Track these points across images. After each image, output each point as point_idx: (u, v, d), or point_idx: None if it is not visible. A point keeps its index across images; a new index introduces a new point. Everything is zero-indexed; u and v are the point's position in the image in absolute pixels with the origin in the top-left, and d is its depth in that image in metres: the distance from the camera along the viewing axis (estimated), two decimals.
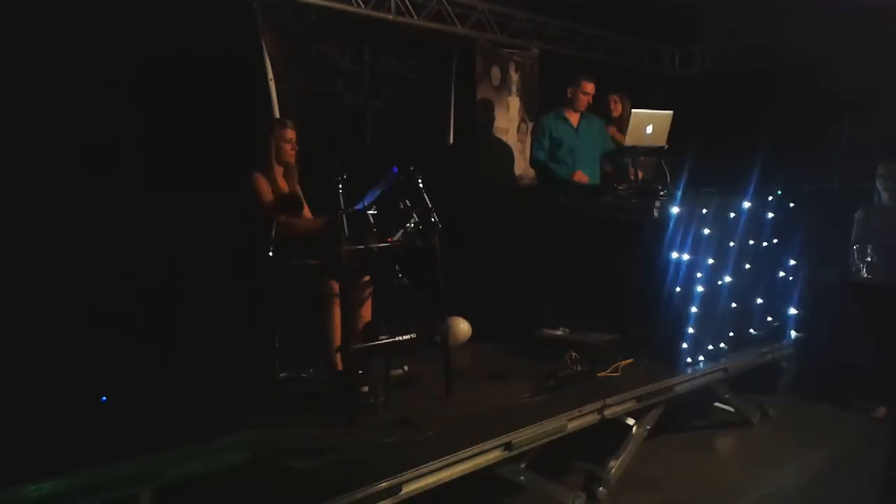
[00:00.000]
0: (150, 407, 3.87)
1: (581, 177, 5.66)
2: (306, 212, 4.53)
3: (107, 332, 4.17)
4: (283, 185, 4.47)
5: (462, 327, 5.40)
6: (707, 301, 4.94)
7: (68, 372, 3.92)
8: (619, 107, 6.24)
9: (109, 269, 4.26)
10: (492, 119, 6.77)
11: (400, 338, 4.01)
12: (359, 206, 4.04)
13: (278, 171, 4.48)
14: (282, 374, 4.43)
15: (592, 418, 4.08)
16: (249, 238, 4.23)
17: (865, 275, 3.84)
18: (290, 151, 4.45)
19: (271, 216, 4.27)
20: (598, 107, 6.29)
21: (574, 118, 5.85)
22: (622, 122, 6.00)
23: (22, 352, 3.87)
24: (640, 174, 5.85)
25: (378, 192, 4.14)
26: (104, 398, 3.84)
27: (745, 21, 7.67)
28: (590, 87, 5.80)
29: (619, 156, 5.83)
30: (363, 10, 5.69)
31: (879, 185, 5.52)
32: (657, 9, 7.64)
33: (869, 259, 3.90)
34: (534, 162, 5.96)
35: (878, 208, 5.50)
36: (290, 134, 4.46)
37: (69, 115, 4.24)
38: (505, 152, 6.86)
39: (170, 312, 4.40)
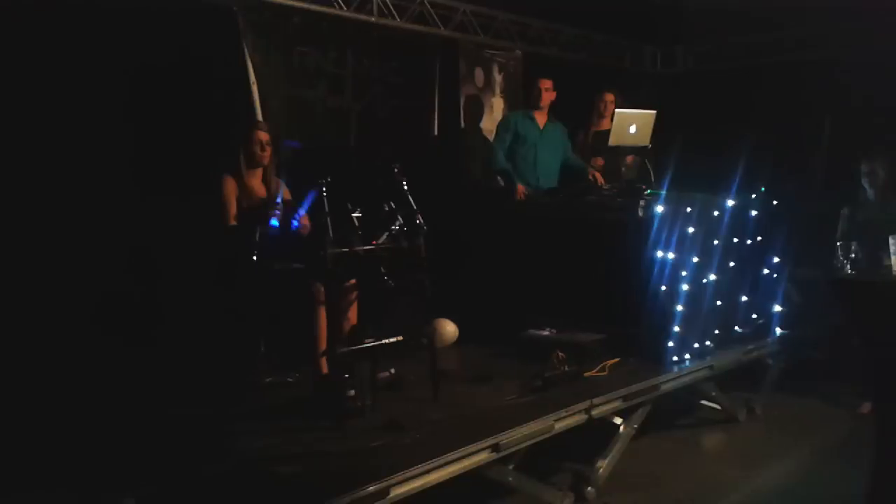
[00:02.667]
0: (133, 413, 3.84)
1: (520, 192, 5.73)
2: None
3: (87, 337, 4.13)
4: (260, 190, 4.43)
5: (448, 329, 5.39)
6: (692, 299, 4.95)
7: (47, 379, 3.88)
8: (614, 107, 6.06)
9: (90, 272, 4.22)
10: (476, 120, 6.77)
11: (386, 341, 4.00)
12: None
13: (255, 174, 4.43)
14: (267, 379, 4.40)
15: (580, 418, 4.07)
16: (233, 241, 4.19)
17: (850, 271, 3.86)
18: (260, 154, 4.39)
19: (231, 220, 4.24)
20: (587, 106, 6.31)
21: (541, 120, 5.91)
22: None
23: None
24: (626, 172, 5.90)
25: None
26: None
27: (727, 20, 7.71)
28: (547, 83, 5.91)
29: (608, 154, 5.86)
30: (345, 13, 5.68)
31: (865, 181, 5.55)
32: (639, 8, 7.67)
33: (853, 256, 3.92)
34: (493, 163, 5.98)
35: (863, 205, 5.53)
36: (261, 136, 4.40)
37: (54, 119, 4.21)
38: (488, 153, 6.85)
39: (153, 316, 4.36)
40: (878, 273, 3.86)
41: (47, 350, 4.00)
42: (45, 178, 4.17)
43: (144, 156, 4.57)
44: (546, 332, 5.06)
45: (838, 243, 3.96)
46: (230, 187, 4.29)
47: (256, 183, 4.43)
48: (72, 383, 3.96)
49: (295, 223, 4.23)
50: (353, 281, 4.21)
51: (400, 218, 4.11)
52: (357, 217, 4.00)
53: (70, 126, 4.27)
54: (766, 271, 5.70)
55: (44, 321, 4.04)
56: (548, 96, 5.88)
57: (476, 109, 6.77)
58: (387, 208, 4.14)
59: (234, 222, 4.24)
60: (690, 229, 4.93)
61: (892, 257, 3.70)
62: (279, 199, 4.26)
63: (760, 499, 4.23)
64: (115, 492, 3.00)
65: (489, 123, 6.88)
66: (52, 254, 4.14)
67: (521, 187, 5.77)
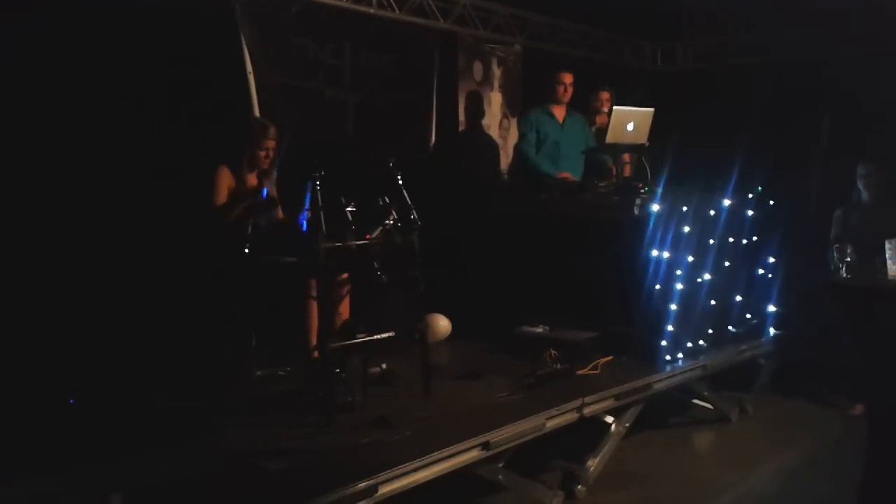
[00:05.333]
0: (123, 406, 3.82)
1: (566, 176, 5.66)
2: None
3: (77, 328, 4.10)
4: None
5: (442, 324, 5.38)
6: (686, 299, 4.95)
7: (34, 370, 3.85)
8: (610, 105, 6.01)
9: (79, 262, 4.18)
10: (474, 115, 6.73)
11: (378, 336, 3.98)
12: None
13: (253, 174, 4.44)
14: (258, 373, 4.38)
15: (571, 417, 4.07)
16: (226, 234, 4.16)
17: (844, 274, 3.85)
18: (264, 159, 4.41)
19: (220, 214, 4.21)
20: (585, 101, 6.27)
21: (560, 113, 5.86)
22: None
23: None
24: (629, 170, 5.87)
25: None
26: (72, 400, 3.78)
27: (727, 18, 7.68)
28: (567, 78, 5.81)
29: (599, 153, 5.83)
30: (344, 4, 5.63)
31: (860, 183, 5.53)
32: (639, 5, 7.64)
33: (848, 259, 3.90)
34: (522, 157, 5.94)
35: (858, 207, 5.52)
36: (270, 143, 4.41)
37: (45, 109, 4.17)
38: (486, 148, 6.82)
39: (143, 309, 4.33)
40: (873, 277, 3.84)
41: (34, 340, 3.96)
42: (35, 165, 4.13)
43: (136, 144, 4.53)
44: (539, 330, 5.05)
45: (834, 246, 3.95)
46: (224, 176, 4.27)
47: (252, 179, 4.43)
48: (60, 374, 3.94)
49: (304, 222, 4.16)
50: (345, 275, 4.20)
51: (394, 213, 4.09)
52: (351, 211, 3.98)
53: (63, 114, 4.23)
54: (761, 271, 5.69)
55: (31, 311, 4.00)
56: (568, 91, 5.82)
57: (475, 104, 6.72)
58: (381, 203, 4.11)
59: (220, 208, 4.22)
60: (686, 228, 4.92)
61: (889, 261, 3.68)
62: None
63: (752, 499, 4.23)
64: (102, 484, 2.99)
65: (486, 118, 6.84)
66: (39, 241, 4.10)
67: (566, 173, 5.68)
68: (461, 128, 6.63)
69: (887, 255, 3.65)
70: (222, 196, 4.26)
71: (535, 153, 5.78)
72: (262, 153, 4.39)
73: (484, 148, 6.78)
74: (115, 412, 3.76)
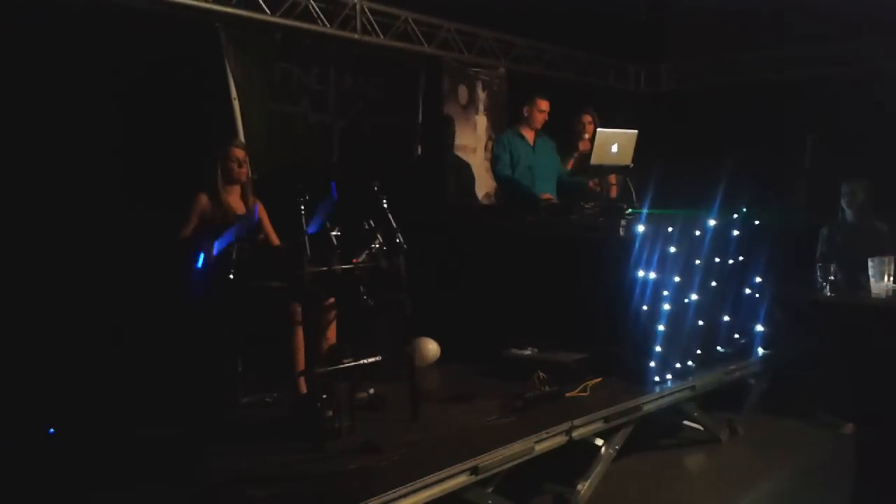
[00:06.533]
0: (106, 434, 3.78)
1: (549, 197, 5.67)
2: (270, 232, 4.48)
3: (59, 357, 4.05)
4: (238, 207, 4.41)
5: (431, 348, 5.36)
6: (674, 319, 4.93)
7: (14, 399, 3.80)
8: (593, 127, 6.08)
9: (62, 289, 4.15)
10: (459, 138, 6.76)
11: (365, 361, 3.96)
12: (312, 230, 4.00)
13: (233, 191, 4.42)
14: (244, 399, 4.34)
15: (560, 440, 4.04)
16: (184, 255, 4.14)
17: (829, 293, 3.86)
18: (237, 171, 4.38)
19: (189, 238, 4.18)
20: (568, 125, 6.31)
21: (530, 136, 5.89)
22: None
23: None
24: (615, 191, 5.89)
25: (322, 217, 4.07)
26: (51, 430, 3.73)
27: (711, 39, 7.76)
28: (544, 105, 5.85)
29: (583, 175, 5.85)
30: (328, 30, 5.67)
31: (844, 202, 5.57)
32: (623, 27, 7.71)
33: (832, 277, 3.92)
34: (499, 178, 5.95)
35: (842, 225, 5.55)
36: (237, 153, 4.40)
37: (31, 134, 4.16)
38: (472, 171, 6.85)
39: (128, 335, 4.29)
40: (857, 295, 3.85)
41: (13, 368, 3.91)
42: (17, 192, 4.11)
43: (124, 171, 4.51)
44: (528, 352, 5.03)
45: (818, 265, 3.97)
46: (200, 203, 4.26)
47: (234, 199, 4.41)
48: (42, 403, 3.89)
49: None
50: (331, 300, 4.18)
51: (379, 236, 4.08)
52: (336, 235, 3.96)
53: (47, 144, 4.22)
54: (748, 291, 5.70)
55: (11, 336, 3.95)
56: (542, 118, 5.86)
57: (460, 127, 6.75)
58: (366, 226, 4.11)
59: (187, 237, 4.19)
60: (672, 249, 4.92)
61: (871, 280, 3.70)
62: (255, 217, 4.22)
63: None
64: None
65: (473, 141, 6.87)
66: (21, 266, 4.06)
67: (546, 195, 5.70)
68: (447, 151, 6.65)
69: (870, 273, 3.66)
70: (191, 226, 4.23)
71: (511, 174, 5.80)
72: (233, 164, 4.37)
73: (470, 171, 6.81)
74: (99, 441, 3.72)
